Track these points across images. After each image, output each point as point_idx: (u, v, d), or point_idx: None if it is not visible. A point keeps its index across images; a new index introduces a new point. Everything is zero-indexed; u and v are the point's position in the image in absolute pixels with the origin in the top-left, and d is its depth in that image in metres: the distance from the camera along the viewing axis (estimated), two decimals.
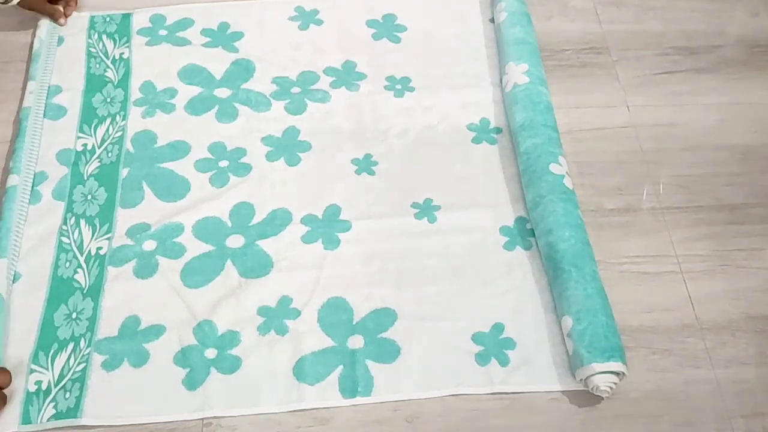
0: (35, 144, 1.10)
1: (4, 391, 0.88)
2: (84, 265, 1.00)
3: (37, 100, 1.14)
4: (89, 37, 1.24)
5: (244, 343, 0.95)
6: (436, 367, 0.93)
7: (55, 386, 0.91)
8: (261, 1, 1.30)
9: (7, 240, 1.00)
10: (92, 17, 1.27)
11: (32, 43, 1.21)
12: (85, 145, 1.12)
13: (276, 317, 0.97)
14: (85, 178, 1.08)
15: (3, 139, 1.12)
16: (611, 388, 0.89)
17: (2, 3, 1.14)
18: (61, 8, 1.23)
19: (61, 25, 1.23)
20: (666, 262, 1.03)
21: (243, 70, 1.21)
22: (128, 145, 1.11)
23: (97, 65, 1.21)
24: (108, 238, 1.03)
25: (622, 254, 1.04)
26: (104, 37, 1.24)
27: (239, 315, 0.97)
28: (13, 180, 1.05)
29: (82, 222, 1.04)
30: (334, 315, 0.97)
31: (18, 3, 1.15)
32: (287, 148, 1.13)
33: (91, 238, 1.03)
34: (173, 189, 1.08)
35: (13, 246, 1.00)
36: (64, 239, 1.02)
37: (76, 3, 1.25)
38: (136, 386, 0.91)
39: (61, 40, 1.23)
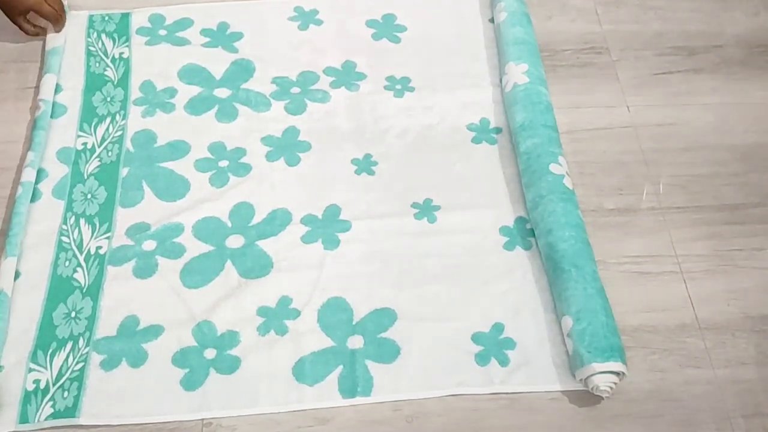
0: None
1: None
2: (83, 264, 1.00)
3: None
4: (88, 35, 1.24)
5: (244, 343, 0.94)
6: (436, 367, 0.93)
7: (54, 385, 0.91)
8: (261, 1, 1.30)
9: (18, 238, 1.00)
10: (90, 16, 1.27)
11: (43, 44, 1.22)
12: (85, 143, 1.11)
13: (276, 317, 0.96)
14: (85, 177, 1.08)
15: (8, 138, 1.12)
16: (611, 388, 0.89)
17: None
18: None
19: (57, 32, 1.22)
20: (666, 262, 1.03)
21: (243, 70, 1.21)
22: (128, 145, 1.11)
23: (97, 64, 1.21)
24: (108, 238, 1.02)
25: (622, 254, 1.04)
26: (103, 36, 1.24)
27: (239, 315, 0.97)
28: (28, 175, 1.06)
29: (82, 221, 1.04)
30: (334, 315, 0.97)
31: None
32: (287, 148, 1.12)
33: (91, 237, 1.02)
34: (173, 189, 1.07)
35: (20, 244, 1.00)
36: (64, 238, 1.02)
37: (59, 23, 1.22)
38: (134, 386, 0.91)
39: None
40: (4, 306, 0.94)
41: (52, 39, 1.21)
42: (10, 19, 1.19)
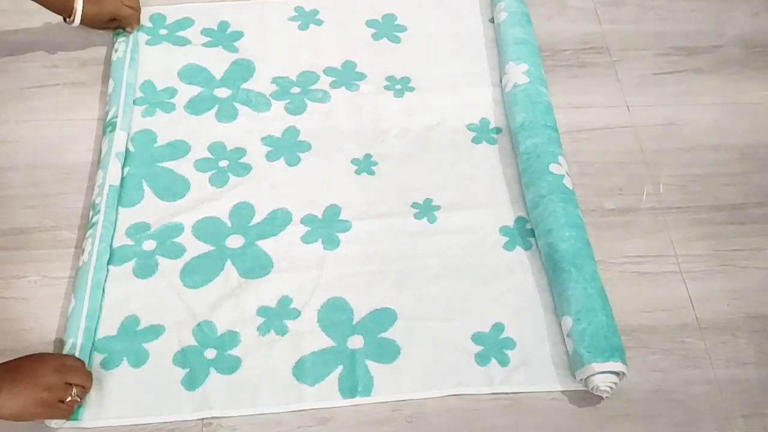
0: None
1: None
2: None
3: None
4: None
5: (244, 343, 0.94)
6: (436, 367, 0.93)
7: None
8: (261, 1, 1.30)
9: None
10: None
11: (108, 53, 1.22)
12: None
13: (276, 317, 0.97)
14: None
15: (9, 138, 1.12)
16: (611, 388, 0.89)
17: (66, 22, 1.15)
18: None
19: (128, 33, 1.21)
20: (666, 262, 1.03)
21: (243, 70, 1.21)
22: (128, 144, 1.11)
23: None
24: None
25: (622, 254, 1.04)
26: None
27: (239, 315, 0.97)
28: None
29: None
30: (334, 315, 0.97)
31: (80, 23, 1.15)
32: (287, 148, 1.12)
33: None
34: (173, 188, 1.07)
35: None
36: None
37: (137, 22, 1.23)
38: (136, 386, 0.91)
39: None
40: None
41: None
42: (99, 29, 1.20)
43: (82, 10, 1.14)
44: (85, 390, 0.87)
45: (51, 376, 0.82)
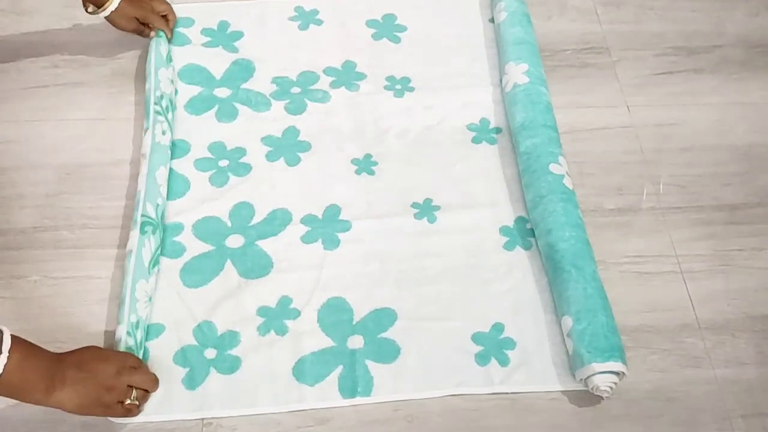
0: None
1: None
2: None
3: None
4: None
5: (244, 343, 0.94)
6: (436, 367, 0.93)
7: None
8: (261, 1, 1.30)
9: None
10: None
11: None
12: None
13: (276, 317, 0.96)
14: None
15: (8, 138, 1.12)
16: (611, 388, 0.89)
17: (91, 12, 1.12)
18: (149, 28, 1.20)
19: (150, 38, 1.19)
20: (666, 262, 1.03)
21: (243, 69, 1.21)
22: None
23: None
24: None
25: (622, 254, 1.04)
26: None
27: (239, 315, 0.96)
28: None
29: None
30: (334, 315, 0.97)
31: (106, 17, 1.13)
32: (287, 148, 1.12)
33: None
34: (173, 188, 1.07)
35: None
36: None
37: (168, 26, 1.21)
38: None
39: None
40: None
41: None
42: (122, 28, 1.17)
43: (119, 3, 1.11)
44: (147, 393, 0.87)
45: (114, 379, 0.83)
